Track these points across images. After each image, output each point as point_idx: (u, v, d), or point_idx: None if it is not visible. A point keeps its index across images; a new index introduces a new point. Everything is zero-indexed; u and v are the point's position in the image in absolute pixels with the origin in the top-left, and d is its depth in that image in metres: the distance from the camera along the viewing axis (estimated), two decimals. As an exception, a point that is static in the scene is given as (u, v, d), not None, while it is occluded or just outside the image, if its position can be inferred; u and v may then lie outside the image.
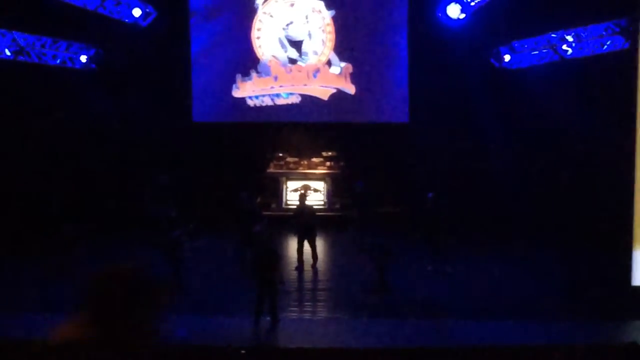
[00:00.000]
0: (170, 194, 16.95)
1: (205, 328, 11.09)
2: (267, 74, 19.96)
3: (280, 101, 20.27)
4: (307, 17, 19.67)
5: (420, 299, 12.54)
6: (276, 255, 11.45)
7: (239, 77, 20.12)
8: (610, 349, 10.04)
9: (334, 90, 20.05)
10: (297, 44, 19.87)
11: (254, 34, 19.95)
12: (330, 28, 19.85)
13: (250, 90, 20.17)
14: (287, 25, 19.73)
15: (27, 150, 17.63)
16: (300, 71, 19.97)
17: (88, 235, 14.53)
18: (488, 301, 12.29)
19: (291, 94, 20.14)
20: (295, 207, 16.04)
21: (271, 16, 19.68)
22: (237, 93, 20.25)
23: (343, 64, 19.98)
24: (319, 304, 12.60)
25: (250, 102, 20.26)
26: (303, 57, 19.87)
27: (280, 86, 20.06)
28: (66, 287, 12.82)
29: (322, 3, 19.77)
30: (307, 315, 11.92)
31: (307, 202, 15.50)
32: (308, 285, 13.88)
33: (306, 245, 14.65)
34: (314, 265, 14.55)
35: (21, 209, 16.83)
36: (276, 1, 19.80)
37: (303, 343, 10.54)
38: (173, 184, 18.33)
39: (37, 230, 15.71)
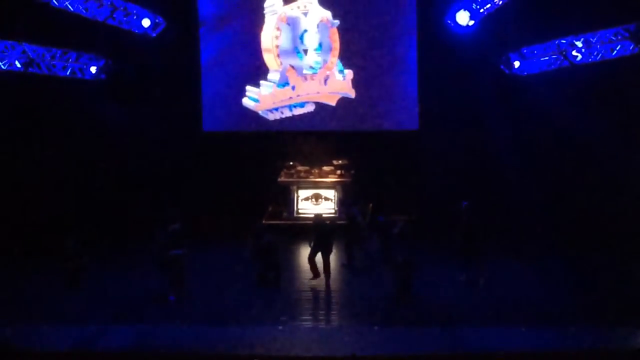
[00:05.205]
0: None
1: (217, 337, 11.09)
2: (286, 84, 19.77)
3: (297, 111, 19.98)
4: (317, 26, 19.59)
5: (441, 307, 12.51)
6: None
7: (255, 89, 19.82)
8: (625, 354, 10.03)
9: (340, 97, 19.97)
10: (310, 53, 19.80)
11: (272, 42, 19.57)
12: (336, 36, 19.74)
13: (270, 102, 19.71)
14: (302, 33, 19.61)
15: (37, 160, 17.67)
16: (313, 79, 19.80)
17: (93, 247, 14.51)
18: (504, 308, 12.28)
19: (307, 102, 19.94)
20: (313, 220, 15.82)
21: (288, 24, 19.51)
22: (257, 107, 19.88)
23: (347, 71, 19.87)
24: (334, 312, 12.53)
25: (271, 116, 19.92)
26: (315, 65, 19.78)
27: (298, 95, 19.81)
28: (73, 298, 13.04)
29: (330, 12, 19.72)
30: (321, 324, 11.89)
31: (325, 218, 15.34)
32: (323, 294, 13.77)
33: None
34: (327, 276, 14.30)
35: (29, 217, 16.89)
36: (291, 9, 19.63)
37: (318, 352, 10.52)
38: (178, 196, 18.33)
39: (44, 240, 15.77)
